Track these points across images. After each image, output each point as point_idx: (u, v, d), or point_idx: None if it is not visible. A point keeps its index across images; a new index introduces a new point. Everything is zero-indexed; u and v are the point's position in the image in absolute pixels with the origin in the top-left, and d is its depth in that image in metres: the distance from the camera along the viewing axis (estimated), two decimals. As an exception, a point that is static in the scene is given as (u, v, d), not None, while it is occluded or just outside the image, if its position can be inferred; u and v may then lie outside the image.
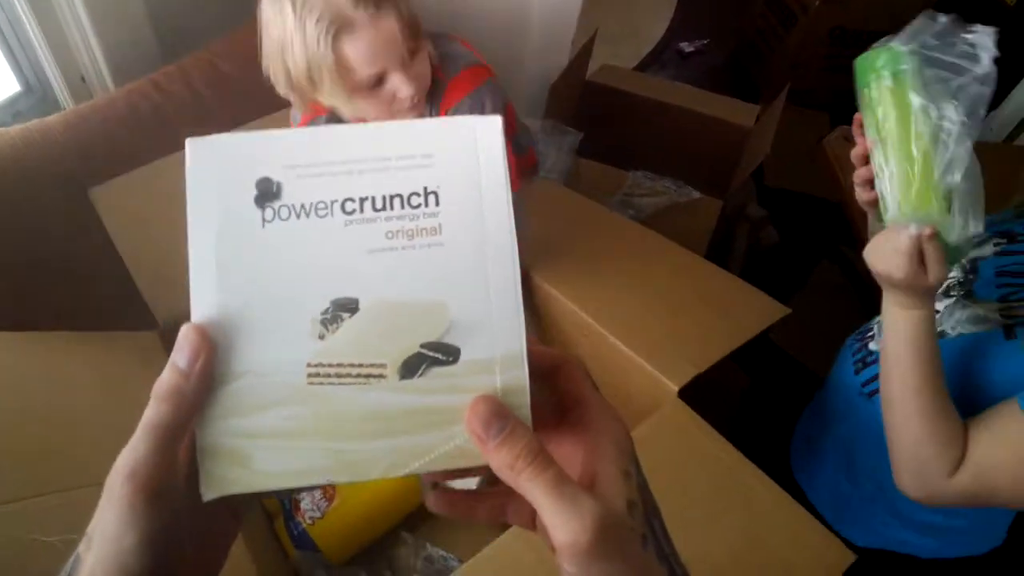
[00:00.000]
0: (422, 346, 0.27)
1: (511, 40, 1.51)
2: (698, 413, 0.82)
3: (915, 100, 0.63)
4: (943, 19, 0.64)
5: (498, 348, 0.27)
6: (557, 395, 0.29)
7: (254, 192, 0.28)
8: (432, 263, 0.27)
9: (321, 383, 0.27)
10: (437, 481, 0.31)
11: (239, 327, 0.27)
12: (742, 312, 0.94)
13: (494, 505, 0.31)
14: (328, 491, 0.91)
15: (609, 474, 0.26)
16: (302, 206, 0.28)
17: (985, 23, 0.63)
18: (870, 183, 0.69)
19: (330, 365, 0.27)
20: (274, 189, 0.28)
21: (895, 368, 0.70)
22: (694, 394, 0.85)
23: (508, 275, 0.28)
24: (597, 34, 1.68)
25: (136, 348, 0.87)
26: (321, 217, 0.28)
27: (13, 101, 1.19)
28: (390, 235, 0.27)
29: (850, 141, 0.89)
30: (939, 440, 0.68)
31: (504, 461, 0.25)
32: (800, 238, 1.92)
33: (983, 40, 0.62)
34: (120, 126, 1.05)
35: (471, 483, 0.34)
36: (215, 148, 0.29)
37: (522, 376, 0.27)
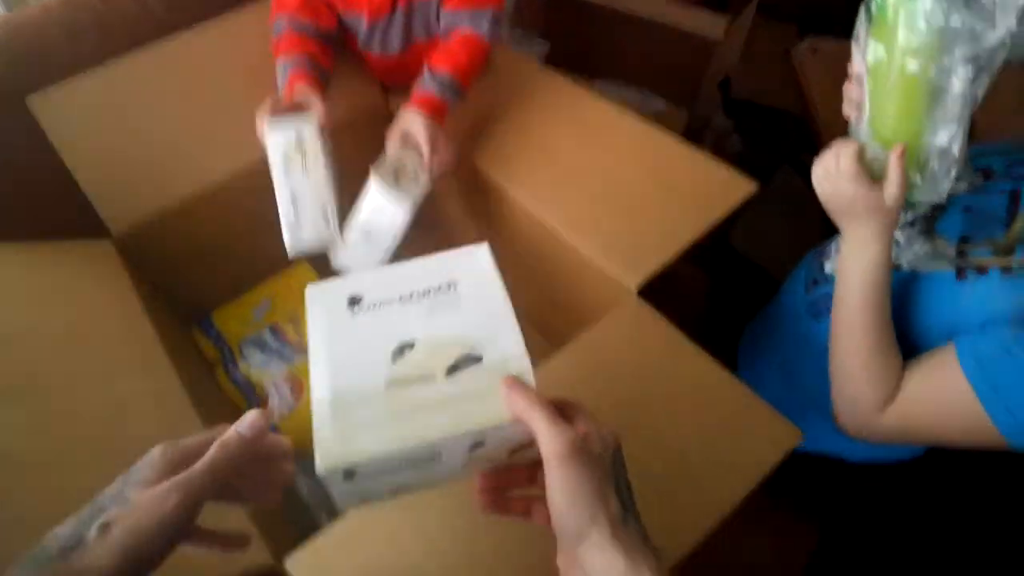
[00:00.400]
0: (457, 358, 0.44)
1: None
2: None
3: (936, 43, 0.59)
4: None
5: (508, 352, 0.44)
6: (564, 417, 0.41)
7: (347, 300, 0.47)
8: (458, 317, 0.46)
9: (395, 388, 0.42)
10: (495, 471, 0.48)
11: (341, 366, 0.44)
12: (706, 194, 0.89)
13: (522, 504, 0.47)
14: (296, 386, 0.94)
15: (592, 432, 0.40)
16: (376, 303, 0.47)
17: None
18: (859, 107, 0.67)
19: (400, 377, 0.43)
20: (358, 299, 0.47)
21: (844, 305, 0.71)
22: (653, 294, 0.83)
23: (506, 315, 0.46)
24: None
25: (89, 257, 0.86)
26: (387, 306, 0.47)
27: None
28: (430, 308, 0.46)
29: (818, 52, 0.87)
30: (876, 377, 0.69)
31: (519, 406, 0.40)
32: (765, 149, 1.93)
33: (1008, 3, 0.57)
34: (59, 35, 1.01)
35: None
36: (324, 288, 0.49)
37: (527, 364, 0.43)
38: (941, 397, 0.65)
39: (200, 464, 0.42)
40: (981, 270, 0.66)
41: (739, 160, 1.87)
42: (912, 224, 0.77)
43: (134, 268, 0.87)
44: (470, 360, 0.44)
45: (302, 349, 1.00)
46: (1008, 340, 0.61)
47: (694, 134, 1.82)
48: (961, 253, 0.69)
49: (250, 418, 0.46)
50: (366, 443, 0.40)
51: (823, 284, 0.85)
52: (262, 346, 1.00)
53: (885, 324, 0.69)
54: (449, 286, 0.48)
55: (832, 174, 0.67)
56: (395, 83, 1.08)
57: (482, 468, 0.47)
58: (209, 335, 1.04)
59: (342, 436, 0.40)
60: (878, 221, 0.66)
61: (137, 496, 0.39)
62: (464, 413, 0.41)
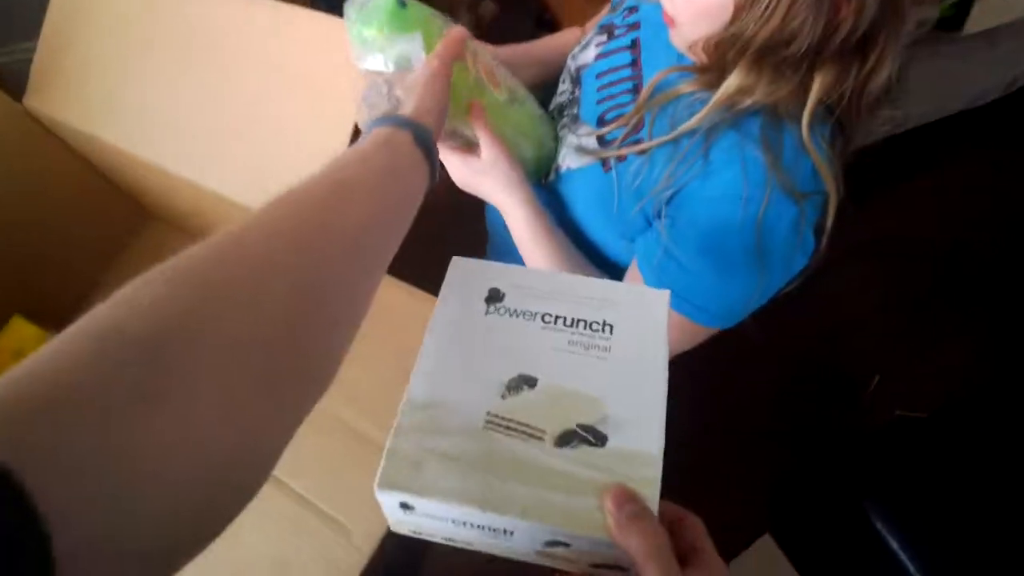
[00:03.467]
0: (578, 426, 0.35)
1: None
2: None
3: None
4: None
5: (639, 445, 0.34)
6: (677, 541, 0.33)
7: (486, 294, 0.41)
8: (598, 370, 0.37)
9: (493, 429, 0.35)
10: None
11: (450, 371, 0.37)
12: None
13: None
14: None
15: None
16: (515, 310, 0.40)
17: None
18: None
19: (504, 418, 0.36)
20: (499, 296, 0.41)
21: (529, 262, 0.69)
22: None
23: (657, 397, 0.36)
24: None
25: None
26: (526, 320, 0.40)
27: None
28: (571, 343, 0.38)
29: None
30: None
31: (630, 543, 0.31)
32: (521, 8, 1.86)
33: None
34: None
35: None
36: (470, 265, 0.42)
37: (655, 475, 0.34)
38: None
39: (441, 48, 0.53)
40: (620, 159, 0.65)
41: (500, 24, 1.81)
42: (561, 113, 0.75)
43: None
44: (591, 438, 0.35)
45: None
46: (665, 241, 0.60)
47: (449, 8, 1.71)
48: (602, 141, 0.67)
49: (453, 30, 0.56)
50: (436, 481, 0.33)
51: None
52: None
53: (566, 257, 0.68)
54: (604, 326, 0.39)
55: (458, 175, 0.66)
56: None
57: (556, 565, 0.38)
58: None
59: (415, 461, 0.34)
60: (502, 185, 0.64)
61: (409, 74, 0.53)
62: (556, 504, 0.33)
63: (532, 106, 0.71)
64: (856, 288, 1.71)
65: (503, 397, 0.36)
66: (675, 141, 0.59)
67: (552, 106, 0.78)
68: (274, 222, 0.34)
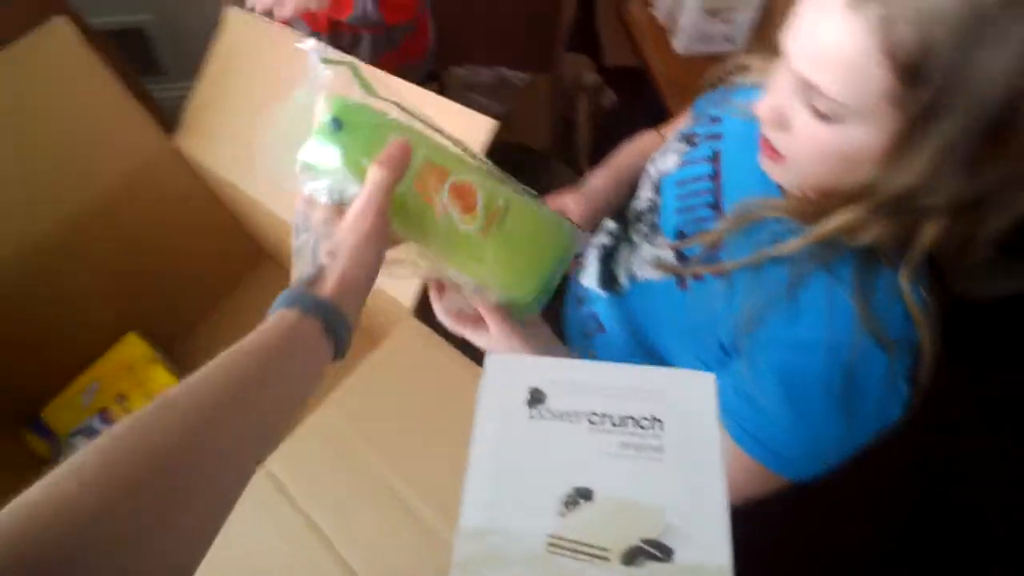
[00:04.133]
0: (642, 540, 0.33)
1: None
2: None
3: None
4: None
5: (707, 557, 0.32)
6: None
7: (527, 396, 0.38)
8: (654, 474, 0.35)
9: (557, 553, 0.33)
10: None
11: (502, 491, 0.35)
12: None
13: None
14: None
15: None
16: (559, 412, 0.37)
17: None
18: None
19: (567, 540, 0.33)
20: (541, 397, 0.38)
21: None
22: None
23: (717, 497, 0.34)
24: None
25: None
26: (572, 422, 0.37)
27: None
28: (622, 445, 0.36)
29: (649, 5, 0.81)
30: None
31: None
32: (639, 102, 1.89)
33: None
34: None
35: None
36: (507, 363, 0.40)
37: None
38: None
39: (368, 188, 0.46)
40: (697, 277, 0.62)
41: (619, 115, 1.85)
42: (640, 220, 0.73)
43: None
44: (657, 553, 0.33)
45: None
46: (743, 381, 0.57)
47: (567, 98, 1.76)
48: (680, 256, 0.65)
49: (393, 143, 0.47)
50: None
51: (587, 302, 0.79)
52: (91, 435, 0.92)
53: None
54: (653, 422, 0.37)
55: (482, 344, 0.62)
56: None
57: None
58: (42, 435, 0.95)
59: None
60: (530, 350, 0.60)
61: (337, 229, 0.47)
62: None
63: (523, 209, 0.55)
64: (975, 458, 1.47)
65: (561, 515, 0.34)
66: (756, 268, 0.57)
67: (629, 211, 0.77)
68: (151, 435, 0.34)
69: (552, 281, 0.56)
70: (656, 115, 1.81)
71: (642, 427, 0.37)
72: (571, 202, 0.84)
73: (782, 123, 0.52)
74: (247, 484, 0.38)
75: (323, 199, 0.49)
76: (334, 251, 0.45)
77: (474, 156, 0.55)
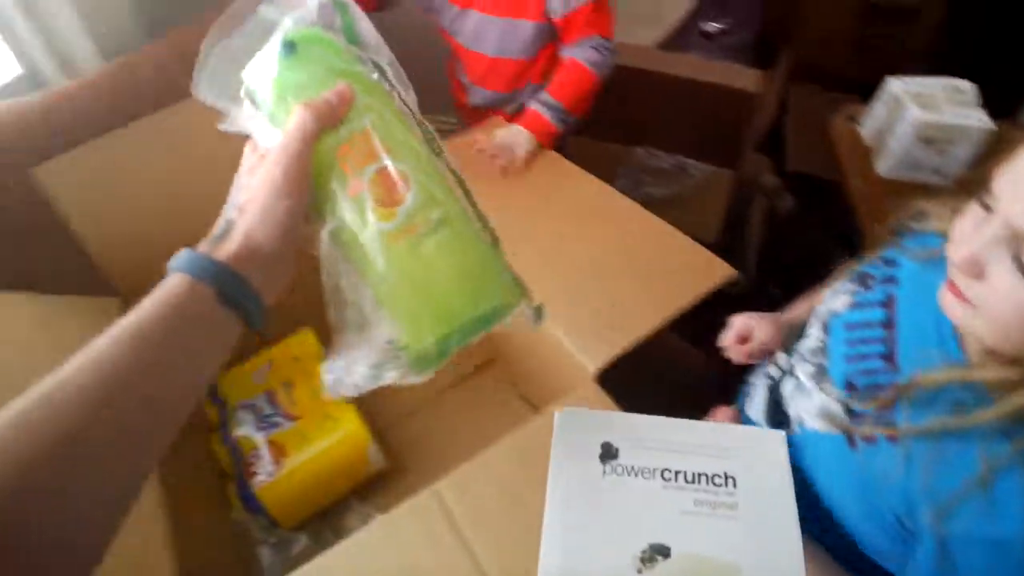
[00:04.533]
0: None
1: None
2: (638, 396, 0.76)
3: None
4: None
5: None
6: None
7: (599, 451, 0.39)
8: (728, 531, 0.36)
9: None
10: None
11: (579, 547, 0.35)
12: (682, 279, 0.87)
13: None
14: (276, 455, 0.93)
15: None
16: (632, 467, 0.38)
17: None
18: None
19: None
20: (613, 451, 0.38)
21: None
22: (633, 373, 0.78)
23: (792, 553, 0.36)
24: (620, 15, 1.64)
25: (94, 311, 0.89)
26: (645, 479, 0.38)
27: (14, 84, 1.25)
28: (697, 503, 0.37)
29: (855, 121, 0.80)
30: None
31: None
32: (817, 210, 1.83)
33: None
34: (64, 106, 1.07)
35: None
36: (578, 417, 0.41)
37: None
38: None
39: (287, 131, 0.39)
40: (870, 439, 0.57)
41: (795, 220, 1.80)
42: (807, 360, 0.68)
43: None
44: None
45: (291, 417, 0.99)
46: (932, 567, 0.52)
47: (743, 195, 1.75)
48: (849, 411, 0.60)
49: (337, 87, 0.40)
50: None
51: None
52: (255, 411, 1.00)
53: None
54: (726, 479, 0.38)
55: None
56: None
57: None
58: (214, 401, 1.05)
59: None
60: None
61: (247, 181, 0.41)
62: None
63: (462, 238, 0.43)
64: None
65: (639, 572, 0.35)
66: (936, 438, 0.52)
67: (798, 347, 0.73)
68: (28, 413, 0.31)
69: (461, 339, 0.42)
70: (835, 228, 1.76)
71: (716, 484, 0.38)
72: (764, 322, 0.83)
73: (978, 272, 0.49)
74: (143, 480, 0.34)
75: (259, 141, 0.43)
76: (245, 206, 0.39)
77: (453, 170, 0.45)
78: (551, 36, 1.20)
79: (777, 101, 1.49)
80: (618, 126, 1.70)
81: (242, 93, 0.43)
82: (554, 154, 1.12)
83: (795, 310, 0.87)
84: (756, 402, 0.76)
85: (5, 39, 1.21)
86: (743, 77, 1.64)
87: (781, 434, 0.41)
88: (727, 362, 0.85)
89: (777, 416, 0.71)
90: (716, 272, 0.87)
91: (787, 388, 0.71)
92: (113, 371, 0.33)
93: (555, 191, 1.06)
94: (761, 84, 1.65)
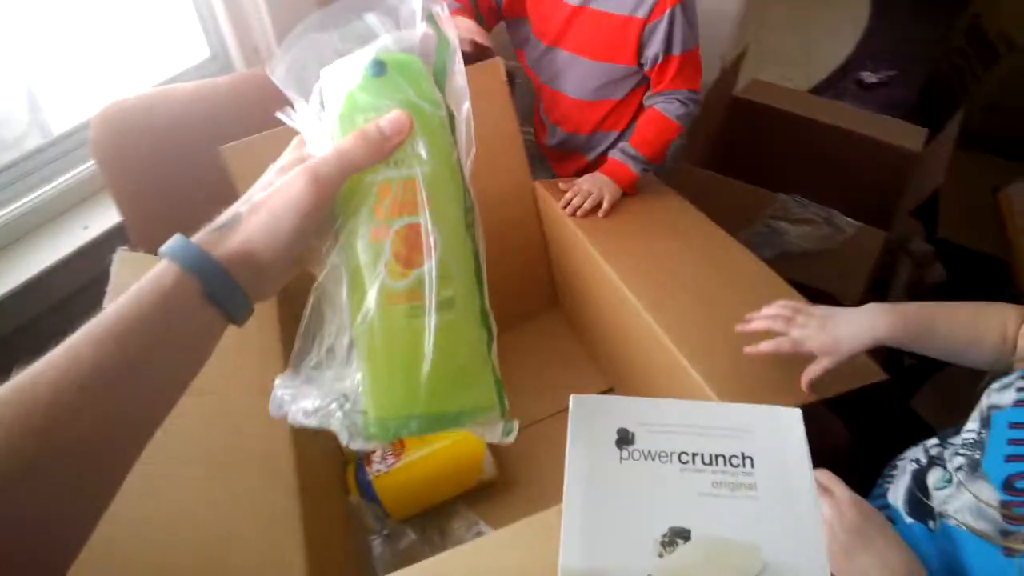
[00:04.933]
0: None
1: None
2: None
3: None
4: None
5: None
6: None
7: (615, 437, 0.38)
8: (748, 512, 0.35)
9: None
10: None
11: (599, 532, 0.35)
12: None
13: None
14: (396, 448, 0.95)
15: None
16: (649, 452, 0.38)
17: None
18: None
19: None
20: (629, 437, 0.38)
21: None
22: None
23: (813, 531, 0.34)
24: (768, 55, 1.61)
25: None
26: (663, 463, 0.37)
27: (201, 66, 1.36)
28: (715, 485, 0.36)
29: None
30: None
31: None
32: (968, 286, 1.70)
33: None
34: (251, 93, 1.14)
35: None
36: (592, 404, 0.40)
37: None
38: None
39: (331, 151, 0.38)
40: None
41: (942, 291, 1.67)
42: (960, 452, 0.62)
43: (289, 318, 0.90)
44: None
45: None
46: None
47: (890, 257, 1.65)
48: (1007, 515, 0.54)
49: (396, 115, 0.38)
50: None
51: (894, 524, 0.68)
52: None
53: None
54: (744, 458, 0.37)
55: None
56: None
57: None
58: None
59: None
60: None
61: (275, 179, 0.39)
62: None
63: (463, 332, 0.41)
64: None
65: (660, 556, 0.34)
66: None
67: (951, 439, 0.67)
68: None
69: (419, 428, 0.39)
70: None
71: (733, 465, 0.37)
72: (879, 311, 0.72)
73: None
74: (121, 477, 0.33)
75: (307, 141, 0.42)
76: (257, 206, 0.37)
77: (477, 251, 0.42)
78: (640, 82, 1.18)
79: (943, 166, 1.39)
80: (762, 169, 1.65)
81: (315, 88, 0.41)
82: (693, 209, 1.12)
83: (923, 309, 0.73)
84: (898, 488, 0.71)
85: (201, 22, 1.33)
86: (909, 135, 1.55)
87: (797, 411, 0.38)
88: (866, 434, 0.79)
89: (919, 508, 0.66)
90: (865, 373, 0.79)
91: (932, 477, 0.66)
92: (92, 365, 0.32)
93: (693, 243, 1.04)
94: (926, 144, 1.55)
